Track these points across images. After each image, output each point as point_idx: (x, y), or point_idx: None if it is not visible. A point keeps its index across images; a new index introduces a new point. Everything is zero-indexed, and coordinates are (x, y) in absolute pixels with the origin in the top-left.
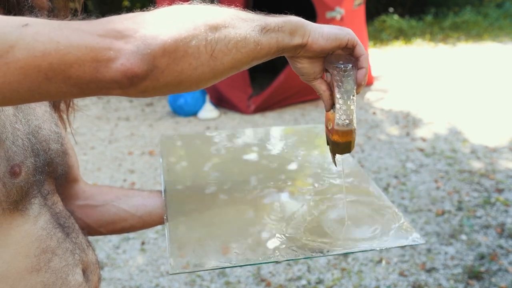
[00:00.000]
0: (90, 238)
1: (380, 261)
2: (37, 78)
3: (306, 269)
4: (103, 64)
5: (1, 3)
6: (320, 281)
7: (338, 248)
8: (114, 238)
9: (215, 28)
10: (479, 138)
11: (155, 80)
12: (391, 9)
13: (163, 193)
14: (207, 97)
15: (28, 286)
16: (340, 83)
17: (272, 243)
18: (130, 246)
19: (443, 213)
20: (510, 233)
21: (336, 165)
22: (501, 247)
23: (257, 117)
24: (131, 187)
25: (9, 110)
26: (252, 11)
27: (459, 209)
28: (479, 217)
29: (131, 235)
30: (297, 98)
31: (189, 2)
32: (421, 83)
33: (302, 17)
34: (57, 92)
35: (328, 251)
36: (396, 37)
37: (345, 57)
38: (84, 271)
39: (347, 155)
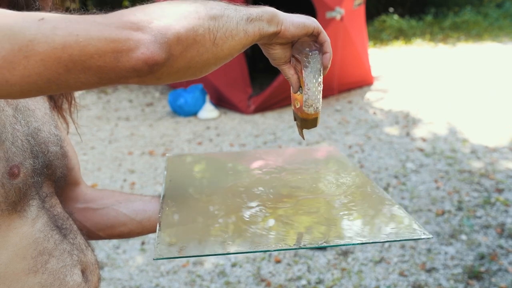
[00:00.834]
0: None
1: (380, 261)
2: (56, 70)
3: (306, 269)
4: (124, 54)
5: (10, 5)
6: (320, 281)
7: (339, 240)
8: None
9: (214, 18)
10: (479, 138)
11: (170, 66)
12: (391, 9)
13: (161, 198)
14: (207, 97)
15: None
16: (308, 67)
17: (267, 237)
18: (130, 246)
19: (443, 213)
20: (510, 233)
21: (304, 138)
22: (501, 247)
23: (257, 117)
24: (131, 187)
25: (8, 111)
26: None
27: (459, 209)
28: (479, 217)
29: None
30: None
31: None
32: (421, 83)
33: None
34: (75, 82)
35: (325, 243)
36: (396, 37)
37: (309, 43)
38: (83, 272)
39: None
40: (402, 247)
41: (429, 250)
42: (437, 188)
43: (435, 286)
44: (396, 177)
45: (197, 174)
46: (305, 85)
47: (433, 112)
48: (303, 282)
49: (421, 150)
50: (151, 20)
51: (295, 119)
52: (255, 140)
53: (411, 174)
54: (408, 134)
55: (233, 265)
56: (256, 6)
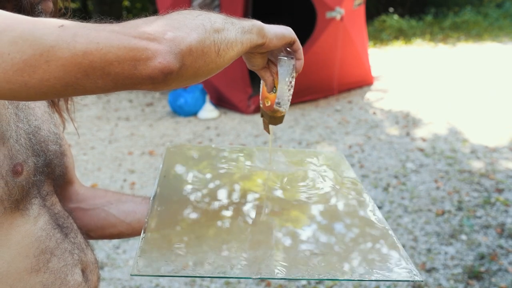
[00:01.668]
0: None
1: None
2: (75, 75)
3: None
4: (142, 62)
5: (15, 8)
6: (320, 281)
7: (319, 274)
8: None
9: (217, 31)
10: (479, 138)
11: (181, 75)
12: (391, 9)
13: (151, 199)
14: (207, 97)
15: (28, 287)
16: (281, 71)
17: (248, 260)
18: (130, 246)
19: (443, 213)
20: (510, 233)
21: (269, 133)
22: (501, 247)
23: (257, 117)
24: (131, 187)
25: (11, 109)
26: (250, 12)
27: (459, 209)
28: (479, 217)
29: None
30: (297, 98)
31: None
32: (421, 83)
33: (302, 17)
34: (92, 86)
35: (303, 276)
36: (396, 37)
37: (283, 50)
38: (83, 271)
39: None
40: (402, 247)
41: (429, 250)
42: (437, 188)
43: (435, 286)
44: (396, 177)
45: (193, 170)
46: (279, 85)
47: (433, 112)
48: (303, 282)
49: (421, 150)
50: (165, 32)
51: (261, 116)
52: (255, 140)
53: (411, 174)
54: (408, 134)
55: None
56: (245, 19)
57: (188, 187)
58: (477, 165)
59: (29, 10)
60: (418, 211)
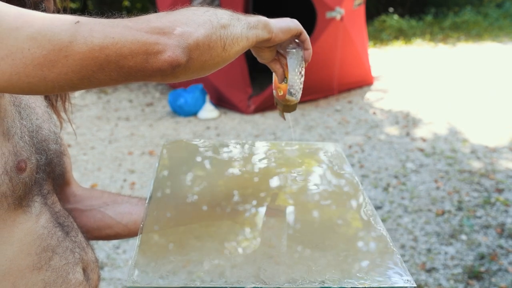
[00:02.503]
0: None
1: None
2: (92, 68)
3: None
4: (153, 56)
5: (19, 6)
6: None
7: (312, 280)
8: None
9: (224, 26)
10: (479, 138)
11: (188, 68)
12: (391, 9)
13: (147, 200)
14: (207, 97)
15: (30, 284)
16: (291, 62)
17: (241, 268)
18: (130, 246)
19: (443, 213)
20: (510, 233)
21: (285, 119)
22: (501, 247)
23: (257, 117)
24: (131, 187)
25: (13, 108)
26: (250, 12)
27: (459, 209)
28: (479, 217)
29: None
30: None
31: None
32: (421, 83)
33: (302, 17)
34: (106, 79)
35: (300, 282)
36: (396, 37)
37: (291, 41)
38: (84, 270)
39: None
40: (402, 247)
41: (429, 250)
42: (437, 188)
43: (435, 286)
44: (396, 177)
45: (189, 168)
46: (289, 76)
47: (433, 112)
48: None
49: (421, 150)
50: (174, 27)
51: (276, 104)
52: (255, 140)
53: (411, 174)
54: (408, 134)
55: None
56: (252, 15)
57: (185, 187)
58: (477, 165)
59: (33, 8)
60: (418, 211)
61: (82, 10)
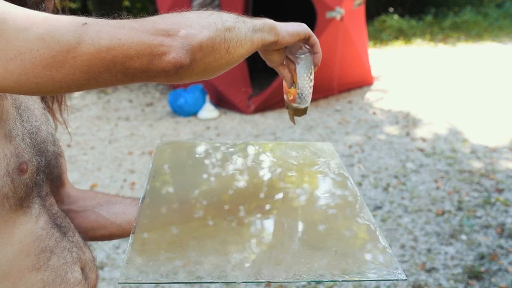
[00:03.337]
0: None
1: None
2: (99, 69)
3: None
4: (158, 57)
5: (17, 4)
6: (319, 282)
7: (305, 275)
8: None
9: (228, 29)
10: (479, 138)
11: (191, 69)
12: (391, 9)
13: (140, 200)
14: (207, 97)
15: (29, 284)
16: (299, 67)
17: (235, 264)
18: None
19: (443, 213)
20: (510, 233)
21: (295, 123)
22: (501, 247)
23: (257, 117)
24: (131, 187)
25: (13, 110)
26: (250, 12)
27: (459, 209)
28: (479, 217)
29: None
30: None
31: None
32: (421, 83)
33: (302, 18)
34: (112, 79)
35: (291, 277)
36: (396, 37)
37: (300, 46)
38: (82, 269)
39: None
40: (402, 247)
41: (429, 250)
42: (437, 188)
43: (435, 286)
44: (396, 177)
45: (184, 169)
46: (298, 82)
47: (433, 112)
48: (303, 282)
49: (421, 150)
50: (179, 29)
51: (287, 108)
52: (255, 140)
53: (411, 174)
54: (408, 134)
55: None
56: (258, 18)
57: (178, 187)
58: (477, 165)
59: (34, 8)
60: (418, 211)
61: (82, 10)
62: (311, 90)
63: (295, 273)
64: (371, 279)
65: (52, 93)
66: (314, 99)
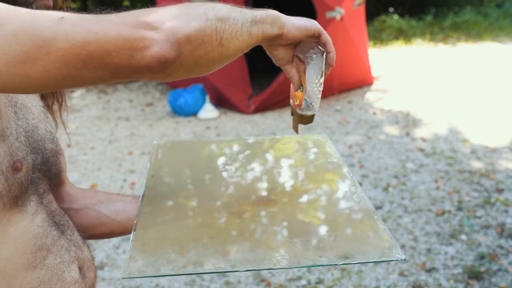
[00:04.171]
0: None
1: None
2: (75, 65)
3: (306, 269)
4: (139, 51)
5: (9, 3)
6: (320, 281)
7: (303, 259)
8: (114, 238)
9: (221, 19)
10: (479, 138)
11: (179, 64)
12: (391, 9)
13: (140, 198)
14: (207, 97)
15: (24, 283)
16: (309, 68)
17: (238, 252)
18: None
19: (443, 213)
20: (510, 233)
21: (298, 133)
22: (501, 247)
23: (257, 117)
24: (131, 187)
25: (10, 107)
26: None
27: (459, 209)
28: (479, 217)
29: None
30: None
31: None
32: (421, 83)
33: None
34: (91, 77)
35: (291, 264)
36: (396, 37)
37: (312, 45)
38: (80, 268)
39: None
40: (402, 247)
41: (429, 250)
42: (437, 188)
43: (435, 286)
44: (396, 177)
45: (182, 167)
46: (306, 85)
47: (433, 112)
48: (303, 282)
49: (421, 150)
50: (164, 21)
51: (292, 114)
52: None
53: (411, 174)
54: (408, 134)
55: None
56: (260, 9)
57: (177, 185)
58: (477, 165)
59: (24, 7)
60: (418, 211)
61: (82, 10)
62: (319, 96)
63: (295, 258)
64: (371, 260)
65: (30, 92)
66: None
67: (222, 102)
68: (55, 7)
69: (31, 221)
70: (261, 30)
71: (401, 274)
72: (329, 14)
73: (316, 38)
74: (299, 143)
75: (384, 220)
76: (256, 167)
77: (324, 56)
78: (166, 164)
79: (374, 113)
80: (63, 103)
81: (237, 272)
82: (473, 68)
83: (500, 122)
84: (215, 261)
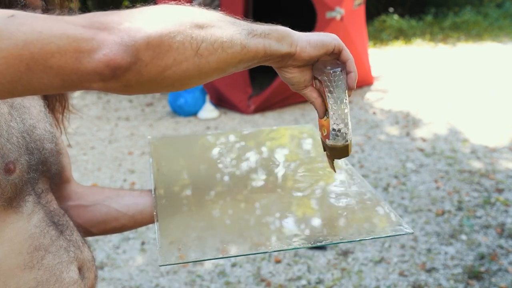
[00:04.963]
0: (87, 238)
1: (380, 261)
2: (18, 68)
3: (306, 269)
4: (86, 54)
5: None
6: (320, 281)
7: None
8: (114, 238)
9: (200, 26)
10: (479, 138)
11: (138, 73)
12: (391, 9)
13: (153, 191)
14: (207, 97)
15: (21, 283)
16: (331, 88)
17: (264, 236)
18: (130, 246)
19: (443, 213)
20: (510, 233)
21: (335, 171)
22: (501, 247)
23: (257, 117)
24: (131, 187)
25: (4, 108)
26: (250, 12)
27: (459, 209)
28: (479, 217)
29: (131, 235)
30: (297, 98)
31: (186, 2)
32: (421, 83)
33: (302, 17)
34: (39, 83)
35: (312, 242)
36: (396, 37)
37: (331, 62)
38: (79, 269)
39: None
40: (402, 247)
41: (429, 250)
42: (437, 188)
43: (435, 286)
44: (396, 177)
45: (182, 159)
46: (329, 108)
47: (433, 112)
48: (303, 282)
49: (421, 150)
50: (122, 21)
51: (324, 150)
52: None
53: (411, 174)
54: (408, 134)
55: (233, 265)
56: (265, 24)
57: (185, 177)
58: (477, 165)
59: (7, 5)
60: (418, 211)
61: (82, 10)
62: (348, 120)
63: (315, 238)
64: (381, 236)
65: None
66: None
67: (222, 102)
68: (55, 7)
69: (27, 222)
70: (262, 45)
71: (401, 274)
72: (329, 14)
73: (335, 55)
74: (292, 134)
75: None
76: (252, 157)
77: (345, 74)
78: (167, 158)
79: (374, 113)
80: (66, 105)
81: (240, 270)
82: (473, 68)
83: (500, 122)
84: (240, 246)
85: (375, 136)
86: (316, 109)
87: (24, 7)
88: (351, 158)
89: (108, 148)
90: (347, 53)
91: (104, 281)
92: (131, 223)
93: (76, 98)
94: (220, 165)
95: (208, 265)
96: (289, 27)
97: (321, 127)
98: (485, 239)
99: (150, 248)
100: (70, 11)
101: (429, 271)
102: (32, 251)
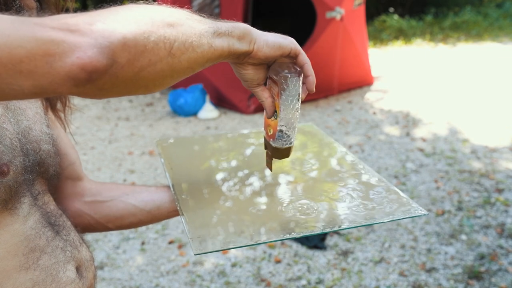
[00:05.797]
0: (94, 236)
1: (380, 261)
2: None
3: (306, 269)
4: (57, 58)
5: None
6: (320, 281)
7: (344, 223)
8: (114, 238)
9: (172, 25)
10: (479, 138)
11: (114, 76)
12: (391, 9)
13: (171, 187)
14: (207, 97)
15: (17, 284)
16: (284, 91)
17: (287, 224)
18: (130, 246)
19: (443, 213)
20: (510, 233)
21: (271, 170)
22: (501, 247)
23: (257, 117)
24: None
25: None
26: (250, 12)
27: (459, 209)
28: (479, 217)
29: (131, 235)
30: None
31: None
32: (421, 83)
33: (302, 17)
34: (9, 89)
35: (333, 227)
36: (396, 37)
37: (288, 65)
38: (77, 268)
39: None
40: (402, 247)
41: (429, 250)
42: (437, 188)
43: (435, 286)
44: (396, 177)
45: (194, 159)
46: (281, 111)
47: (433, 112)
48: (303, 282)
49: (421, 150)
50: (94, 22)
51: (265, 148)
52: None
53: (411, 174)
54: (408, 134)
55: (233, 265)
56: (226, 20)
57: (200, 174)
58: (477, 165)
59: (2, 6)
60: None
61: (82, 10)
62: (296, 125)
63: (335, 223)
64: (396, 218)
65: None
66: (314, 99)
67: (222, 102)
68: (50, 8)
69: (23, 224)
70: (226, 44)
71: (401, 274)
72: (329, 14)
73: (292, 59)
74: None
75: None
76: (261, 154)
77: (301, 78)
78: (177, 157)
79: (374, 113)
80: (68, 103)
81: (240, 270)
82: (473, 68)
83: (500, 122)
84: (268, 234)
85: (375, 136)
86: (265, 109)
87: (19, 8)
88: None
89: (108, 148)
90: (303, 57)
91: (104, 281)
92: (148, 219)
93: (76, 98)
94: (234, 162)
95: (208, 265)
96: (289, 27)
97: (266, 126)
98: (485, 239)
99: (150, 248)
100: (66, 12)
101: (429, 271)
102: (27, 252)
